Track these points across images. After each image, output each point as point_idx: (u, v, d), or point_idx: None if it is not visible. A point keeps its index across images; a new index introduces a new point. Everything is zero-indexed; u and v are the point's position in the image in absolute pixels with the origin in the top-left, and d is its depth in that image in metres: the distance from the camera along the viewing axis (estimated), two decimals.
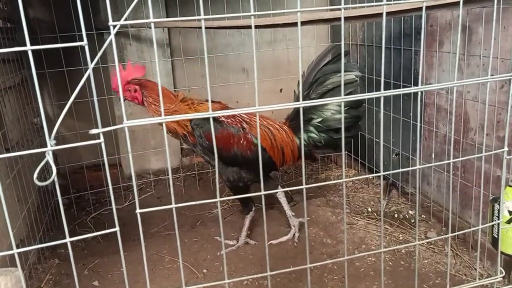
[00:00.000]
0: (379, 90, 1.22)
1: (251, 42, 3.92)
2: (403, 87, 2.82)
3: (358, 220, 2.83)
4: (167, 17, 3.54)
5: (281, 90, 4.01)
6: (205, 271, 2.41)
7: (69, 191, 3.30)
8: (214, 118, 2.34)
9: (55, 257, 2.62)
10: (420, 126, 2.79)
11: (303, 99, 2.41)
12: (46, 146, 1.00)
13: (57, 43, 2.84)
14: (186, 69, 3.51)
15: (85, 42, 1.02)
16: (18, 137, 2.61)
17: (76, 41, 1.05)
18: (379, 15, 1.46)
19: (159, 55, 3.64)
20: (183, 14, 3.46)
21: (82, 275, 2.43)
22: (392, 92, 1.23)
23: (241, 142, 2.42)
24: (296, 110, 2.54)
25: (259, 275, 1.20)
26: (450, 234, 1.34)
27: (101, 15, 3.36)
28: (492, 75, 2.08)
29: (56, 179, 1.04)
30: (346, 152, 3.79)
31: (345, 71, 2.45)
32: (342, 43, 1.07)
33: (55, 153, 2.90)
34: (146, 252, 1.44)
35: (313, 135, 2.57)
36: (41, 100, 1.03)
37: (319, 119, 2.56)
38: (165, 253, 2.60)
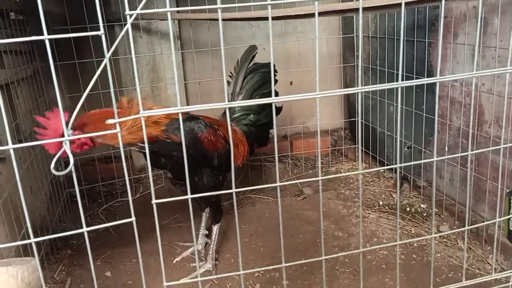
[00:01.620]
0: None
1: (261, 35, 3.90)
2: (416, 79, 2.79)
3: (370, 213, 2.82)
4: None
5: (291, 83, 3.99)
6: (216, 262, 2.42)
7: (81, 183, 3.32)
8: (198, 118, 2.24)
9: (67, 248, 2.65)
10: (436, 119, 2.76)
11: (234, 100, 2.69)
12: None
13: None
14: (197, 62, 3.50)
15: (101, 31, 1.02)
16: (30, 129, 2.62)
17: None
18: (396, 5, 1.43)
19: (169, 47, 3.64)
20: (193, 5, 3.45)
21: (94, 266, 2.44)
22: (409, 83, 1.21)
23: (219, 139, 2.30)
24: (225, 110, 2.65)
25: (274, 267, 1.20)
26: (467, 227, 1.32)
27: (111, 7, 3.35)
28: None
29: (73, 169, 1.05)
30: (358, 145, 3.77)
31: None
32: (360, 34, 1.06)
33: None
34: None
35: (252, 128, 2.70)
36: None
37: (251, 116, 2.72)
38: (177, 245, 2.61)
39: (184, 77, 3.76)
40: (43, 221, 2.53)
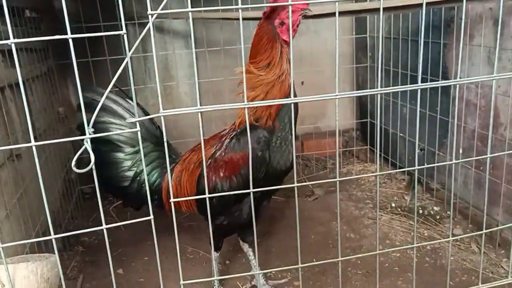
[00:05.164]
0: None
1: None
2: (430, 81, 2.77)
3: (382, 215, 2.80)
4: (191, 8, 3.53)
5: (302, 83, 3.98)
6: (227, 262, 2.42)
7: (93, 180, 3.33)
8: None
9: (79, 245, 2.67)
10: (450, 121, 2.74)
11: None
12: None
13: (83, 33, 2.84)
14: (209, 61, 3.51)
15: (124, 31, 1.03)
16: (45, 126, 2.64)
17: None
18: (415, 5, 1.42)
19: (181, 46, 3.65)
20: (206, 5, 3.45)
21: (106, 263, 2.45)
22: (429, 84, 1.20)
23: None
24: None
25: (290, 267, 1.20)
26: (484, 231, 1.31)
27: (125, 7, 3.37)
28: None
29: (94, 167, 1.06)
30: (369, 146, 3.76)
31: None
32: (381, 35, 1.05)
33: (79, 143, 2.91)
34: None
35: None
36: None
37: None
38: (188, 244, 2.62)
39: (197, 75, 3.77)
40: (56, 218, 2.55)
